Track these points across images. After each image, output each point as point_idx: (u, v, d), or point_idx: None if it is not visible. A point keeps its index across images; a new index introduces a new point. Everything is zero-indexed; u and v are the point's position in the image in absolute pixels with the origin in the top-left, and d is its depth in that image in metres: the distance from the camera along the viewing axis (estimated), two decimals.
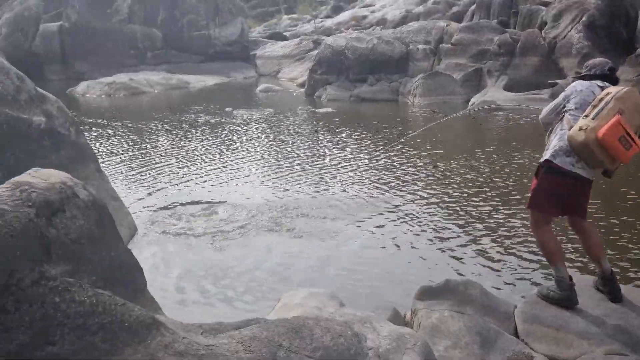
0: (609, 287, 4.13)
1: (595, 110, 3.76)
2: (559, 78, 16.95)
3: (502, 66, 18.54)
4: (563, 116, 4.07)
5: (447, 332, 3.85)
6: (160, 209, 7.86)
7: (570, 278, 4.08)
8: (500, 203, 7.69)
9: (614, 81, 4.14)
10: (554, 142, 4.05)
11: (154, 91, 25.29)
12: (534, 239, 6.18)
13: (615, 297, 4.10)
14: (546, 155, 4.06)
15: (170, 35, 32.09)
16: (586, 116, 3.81)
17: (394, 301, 4.80)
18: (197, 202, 8.12)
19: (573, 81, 4.28)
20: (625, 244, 6.15)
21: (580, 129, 3.77)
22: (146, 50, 31.48)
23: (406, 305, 4.50)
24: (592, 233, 4.21)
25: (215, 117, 16.81)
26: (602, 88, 3.98)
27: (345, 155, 11.05)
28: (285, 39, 36.36)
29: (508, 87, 17.65)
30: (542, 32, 19.03)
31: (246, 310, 4.88)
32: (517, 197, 7.87)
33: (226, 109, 18.15)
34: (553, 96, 16.00)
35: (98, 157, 7.41)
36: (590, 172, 3.99)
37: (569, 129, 3.90)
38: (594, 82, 4.07)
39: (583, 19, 17.99)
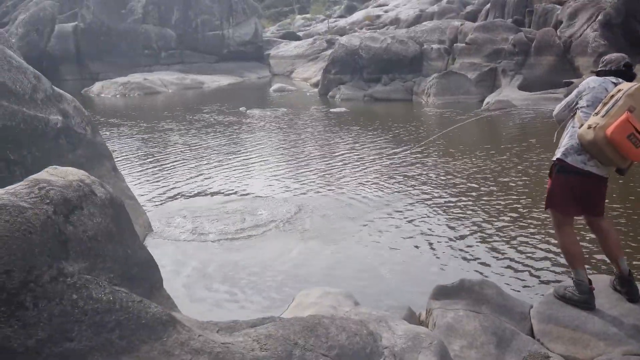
0: (627, 288, 4.08)
1: (606, 108, 3.72)
2: (574, 77, 16.80)
3: (517, 65, 18.41)
4: (575, 113, 4.04)
5: (463, 332, 3.83)
6: (175, 207, 7.90)
7: (590, 282, 4.04)
8: (515, 202, 7.64)
9: (630, 77, 4.06)
10: (565, 140, 4.02)
11: (168, 91, 25.42)
12: (553, 239, 6.15)
13: (633, 297, 4.06)
14: (558, 154, 4.03)
15: (184, 35, 32.26)
16: (597, 114, 3.77)
17: (409, 300, 4.78)
18: (211, 201, 8.15)
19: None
20: None
21: (590, 127, 3.73)
22: (160, 50, 31.68)
23: (421, 304, 4.48)
24: (610, 232, 4.15)
25: (229, 117, 16.86)
26: (616, 85, 3.92)
27: (359, 155, 11.04)
28: (298, 38, 36.43)
29: (523, 87, 17.53)
30: (558, 31, 18.88)
31: (261, 310, 4.88)
32: (533, 195, 7.81)
33: (240, 109, 18.20)
34: (568, 95, 15.86)
35: (113, 155, 7.45)
36: (604, 169, 3.94)
37: (580, 127, 3.87)
38: (608, 78, 4.02)
39: (599, 17, 17.81)
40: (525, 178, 8.79)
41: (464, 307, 4.08)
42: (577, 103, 4.05)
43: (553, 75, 17.55)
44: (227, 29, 33.50)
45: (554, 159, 4.06)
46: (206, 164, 10.64)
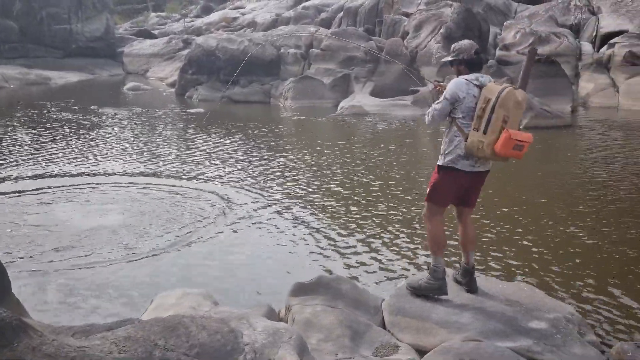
0: (468, 279, 4.48)
1: (484, 124, 4.01)
2: (420, 86, 17.86)
3: (369, 72, 19.24)
4: (452, 121, 4.24)
5: (320, 326, 3.98)
6: (18, 206, 7.42)
7: (444, 270, 4.37)
8: (364, 201, 7.97)
9: (481, 64, 4.37)
10: (451, 148, 4.23)
11: (10, 86, 23.74)
12: (403, 236, 6.54)
13: (471, 288, 4.46)
14: (448, 162, 4.23)
15: (28, 28, 30.20)
16: (476, 129, 4.04)
17: (269, 298, 4.87)
18: (55, 200, 7.76)
19: (454, 71, 4.39)
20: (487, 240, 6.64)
21: (478, 148, 4.02)
22: (0, 42, 29.37)
23: (281, 302, 4.59)
24: (471, 226, 4.55)
25: (79, 115, 16.08)
26: (479, 87, 4.15)
27: (214, 154, 11.00)
28: (154, 37, 35.40)
29: (374, 93, 18.32)
30: (405, 41, 19.98)
31: (117, 314, 4.74)
32: (378, 193, 8.23)
33: (91, 107, 17.40)
34: (415, 102, 16.92)
35: None
36: (488, 164, 4.31)
37: (465, 139, 4.12)
38: (469, 80, 4.20)
39: (441, 30, 19.11)
40: (374, 175, 9.21)
41: (321, 302, 4.24)
42: (451, 111, 4.24)
43: (401, 83, 18.54)
44: (75, 23, 31.83)
45: (443, 163, 4.26)
46: (55, 163, 10.08)
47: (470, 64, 4.28)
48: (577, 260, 5.88)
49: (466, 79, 4.20)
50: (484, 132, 4.00)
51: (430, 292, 4.32)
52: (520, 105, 4.09)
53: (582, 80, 18.63)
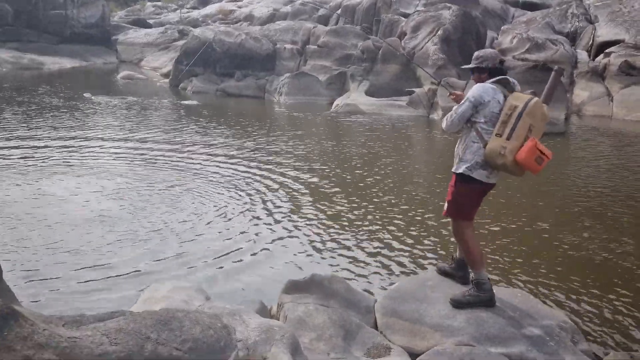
0: (463, 272, 4.47)
1: (508, 129, 3.94)
2: (416, 86, 17.86)
3: (365, 71, 19.18)
4: (472, 125, 4.16)
5: (312, 325, 3.95)
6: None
7: (489, 282, 4.29)
8: (367, 201, 7.95)
9: (504, 72, 4.28)
10: (467, 155, 4.16)
11: (2, 69, 23.47)
12: (398, 239, 6.52)
13: (466, 281, 4.41)
14: (462, 169, 4.17)
15: (22, 11, 29.89)
16: (499, 135, 3.97)
17: (260, 295, 4.84)
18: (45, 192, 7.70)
19: (474, 79, 4.33)
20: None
21: (500, 153, 3.95)
22: None
23: (272, 299, 4.55)
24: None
25: (71, 102, 15.96)
26: (504, 95, 4.11)
27: (207, 148, 10.95)
28: (149, 26, 35.25)
29: (370, 92, 18.27)
30: (402, 41, 19.95)
31: (105, 303, 4.69)
32: (375, 193, 8.21)
33: (84, 94, 17.28)
34: (411, 103, 16.92)
35: None
36: (498, 176, 4.25)
37: (484, 145, 4.06)
38: (495, 87, 4.15)
39: (439, 32, 19.10)
40: (379, 177, 9.19)
41: (313, 301, 4.20)
42: (472, 115, 4.17)
43: (397, 83, 18.50)
44: (71, 9, 31.54)
45: (457, 171, 4.21)
46: (51, 151, 10.00)
47: (493, 73, 4.22)
48: (571, 268, 5.88)
49: (492, 85, 4.15)
50: (508, 138, 3.94)
51: (481, 305, 4.19)
52: (545, 118, 4.05)
53: (577, 88, 18.66)
